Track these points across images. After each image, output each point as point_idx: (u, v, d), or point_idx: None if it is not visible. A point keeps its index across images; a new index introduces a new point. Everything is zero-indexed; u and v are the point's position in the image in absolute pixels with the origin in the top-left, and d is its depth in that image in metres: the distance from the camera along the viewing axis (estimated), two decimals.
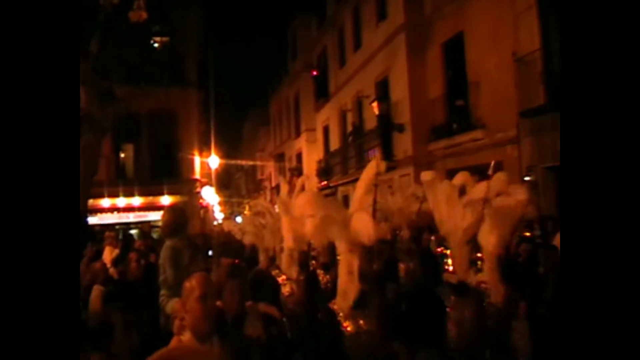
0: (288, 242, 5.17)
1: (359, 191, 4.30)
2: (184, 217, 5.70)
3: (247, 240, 8.43)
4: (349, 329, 3.41)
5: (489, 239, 3.80)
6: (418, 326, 2.81)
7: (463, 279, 3.75)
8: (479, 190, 4.09)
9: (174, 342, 2.83)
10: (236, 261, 6.21)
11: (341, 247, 3.78)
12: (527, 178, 12.34)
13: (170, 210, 6.01)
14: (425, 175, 4.52)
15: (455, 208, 4.02)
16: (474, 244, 3.87)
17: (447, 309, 3.29)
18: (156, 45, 24.99)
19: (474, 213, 3.86)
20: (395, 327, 3.13)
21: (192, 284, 2.96)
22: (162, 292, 5.12)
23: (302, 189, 6.27)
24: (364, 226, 3.63)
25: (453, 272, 3.95)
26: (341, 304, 3.54)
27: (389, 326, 3.24)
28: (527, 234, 8.31)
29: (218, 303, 3.16)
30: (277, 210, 6.53)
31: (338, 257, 3.96)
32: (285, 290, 4.73)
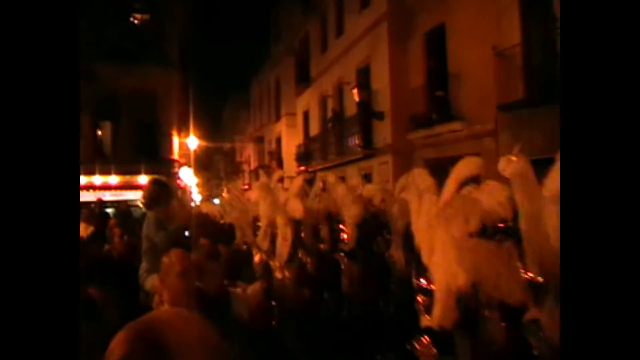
0: (264, 221, 6.24)
1: (261, 196, 6.20)
2: (166, 189, 5.71)
3: (226, 220, 9.80)
4: (278, 276, 5.06)
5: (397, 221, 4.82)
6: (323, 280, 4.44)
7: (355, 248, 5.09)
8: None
9: None
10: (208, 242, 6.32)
11: (280, 222, 5.47)
12: None
13: (152, 182, 6.02)
14: (330, 178, 6.77)
15: (348, 197, 5.60)
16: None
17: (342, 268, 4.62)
18: (137, 22, 24.73)
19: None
20: (309, 280, 4.61)
21: (171, 260, 3.02)
22: (142, 265, 5.17)
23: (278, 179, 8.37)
24: (297, 208, 5.59)
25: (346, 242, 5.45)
26: (276, 261, 5.24)
27: (303, 278, 4.69)
28: (501, 225, 8.50)
29: (199, 284, 3.24)
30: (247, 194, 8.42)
31: (276, 230, 5.72)
32: (256, 259, 5.86)
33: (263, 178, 8.58)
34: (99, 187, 22.27)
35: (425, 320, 2.80)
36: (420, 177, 3.68)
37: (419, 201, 3.26)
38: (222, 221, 12.89)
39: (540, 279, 2.72)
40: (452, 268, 2.62)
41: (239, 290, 3.73)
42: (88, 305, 2.92)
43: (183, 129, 27.41)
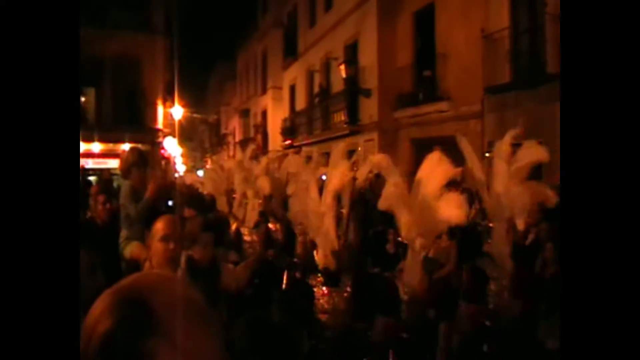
0: (237, 193, 7.62)
1: (235, 171, 8.18)
2: (142, 157, 5.69)
3: (206, 189, 11.35)
4: (247, 239, 6.24)
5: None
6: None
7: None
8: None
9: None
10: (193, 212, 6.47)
11: (249, 194, 7.02)
12: (487, 154, 12.62)
13: (129, 150, 6.02)
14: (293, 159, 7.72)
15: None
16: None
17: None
18: None
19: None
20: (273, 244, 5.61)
21: (157, 225, 3.04)
22: (122, 234, 5.19)
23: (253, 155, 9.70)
24: (264, 184, 6.93)
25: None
26: (245, 226, 6.68)
27: (269, 239, 5.73)
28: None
29: (191, 253, 3.28)
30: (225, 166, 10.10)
31: (247, 200, 7.14)
32: (233, 227, 6.79)
33: (238, 155, 10.47)
34: (82, 154, 22.02)
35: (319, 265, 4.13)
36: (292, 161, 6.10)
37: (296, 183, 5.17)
38: (204, 192, 13.10)
39: (405, 241, 4.01)
40: (325, 227, 4.28)
41: (230, 265, 3.78)
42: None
43: (168, 98, 27.13)
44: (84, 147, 22.11)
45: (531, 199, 4.38)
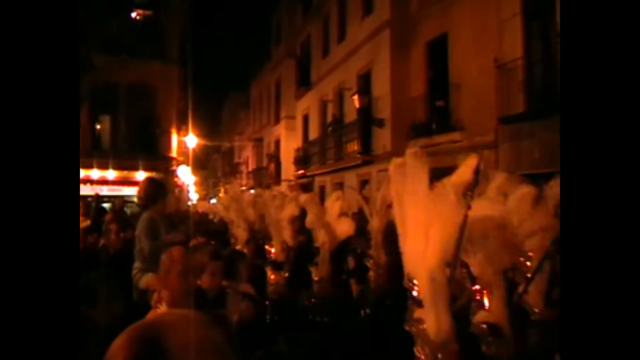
0: (233, 219, 9.11)
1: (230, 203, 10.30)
2: (162, 189, 5.72)
3: (219, 216, 12.82)
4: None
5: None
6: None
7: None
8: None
9: (151, 315, 2.88)
10: (211, 242, 6.47)
11: (241, 220, 8.47)
12: None
13: (148, 180, 6.02)
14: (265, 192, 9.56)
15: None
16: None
17: None
18: (138, 17, 24.75)
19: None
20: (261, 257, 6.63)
21: (172, 258, 3.01)
22: (136, 265, 5.18)
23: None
24: (250, 212, 8.52)
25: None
26: (238, 243, 7.83)
27: (260, 252, 6.72)
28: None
29: (199, 282, 3.25)
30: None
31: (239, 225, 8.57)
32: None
33: (231, 191, 13.32)
34: (97, 181, 22.18)
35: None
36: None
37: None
38: (215, 219, 13.29)
39: (319, 246, 5.72)
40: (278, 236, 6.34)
41: (239, 297, 3.74)
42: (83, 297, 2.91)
43: (182, 126, 27.35)
44: (98, 173, 22.29)
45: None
